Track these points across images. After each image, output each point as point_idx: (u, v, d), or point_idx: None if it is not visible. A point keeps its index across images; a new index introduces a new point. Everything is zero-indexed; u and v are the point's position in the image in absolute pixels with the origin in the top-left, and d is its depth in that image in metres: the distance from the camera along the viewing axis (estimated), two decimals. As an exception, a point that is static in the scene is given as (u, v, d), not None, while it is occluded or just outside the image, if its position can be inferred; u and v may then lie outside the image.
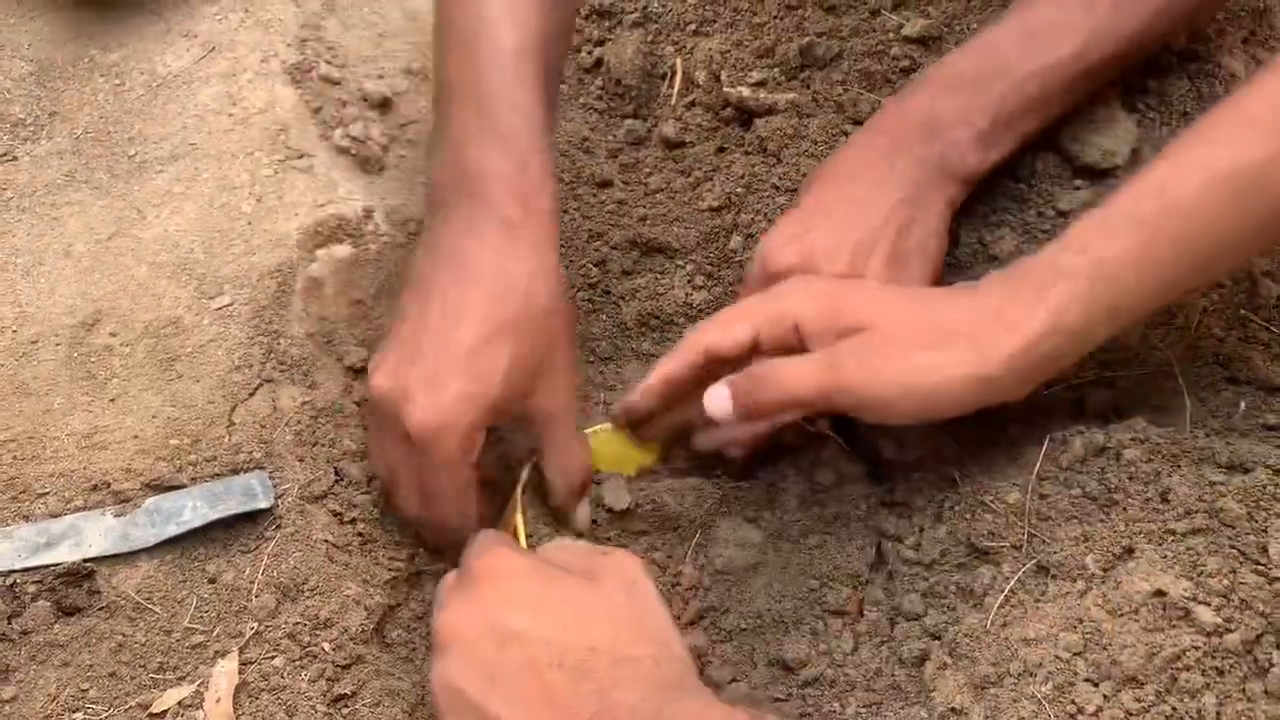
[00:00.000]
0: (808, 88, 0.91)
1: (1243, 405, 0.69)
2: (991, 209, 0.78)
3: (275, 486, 0.66)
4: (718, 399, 0.63)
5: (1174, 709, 0.54)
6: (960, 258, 0.79)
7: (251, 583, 0.61)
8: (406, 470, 0.65)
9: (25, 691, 0.57)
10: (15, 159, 0.85)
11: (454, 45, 0.70)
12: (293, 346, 0.73)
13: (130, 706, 0.56)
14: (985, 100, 0.71)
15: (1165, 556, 0.58)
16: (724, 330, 0.66)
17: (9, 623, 0.60)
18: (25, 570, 0.61)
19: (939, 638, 0.63)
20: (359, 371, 0.74)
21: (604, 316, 0.85)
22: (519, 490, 0.66)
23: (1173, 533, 0.59)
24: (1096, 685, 0.56)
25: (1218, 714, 0.53)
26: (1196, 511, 0.59)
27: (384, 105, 0.90)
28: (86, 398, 0.70)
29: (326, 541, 0.64)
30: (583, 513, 0.68)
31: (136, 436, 0.68)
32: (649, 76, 0.97)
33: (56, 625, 0.60)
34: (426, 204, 0.71)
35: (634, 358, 0.84)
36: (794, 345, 0.64)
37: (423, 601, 0.66)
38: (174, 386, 0.71)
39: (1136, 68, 0.77)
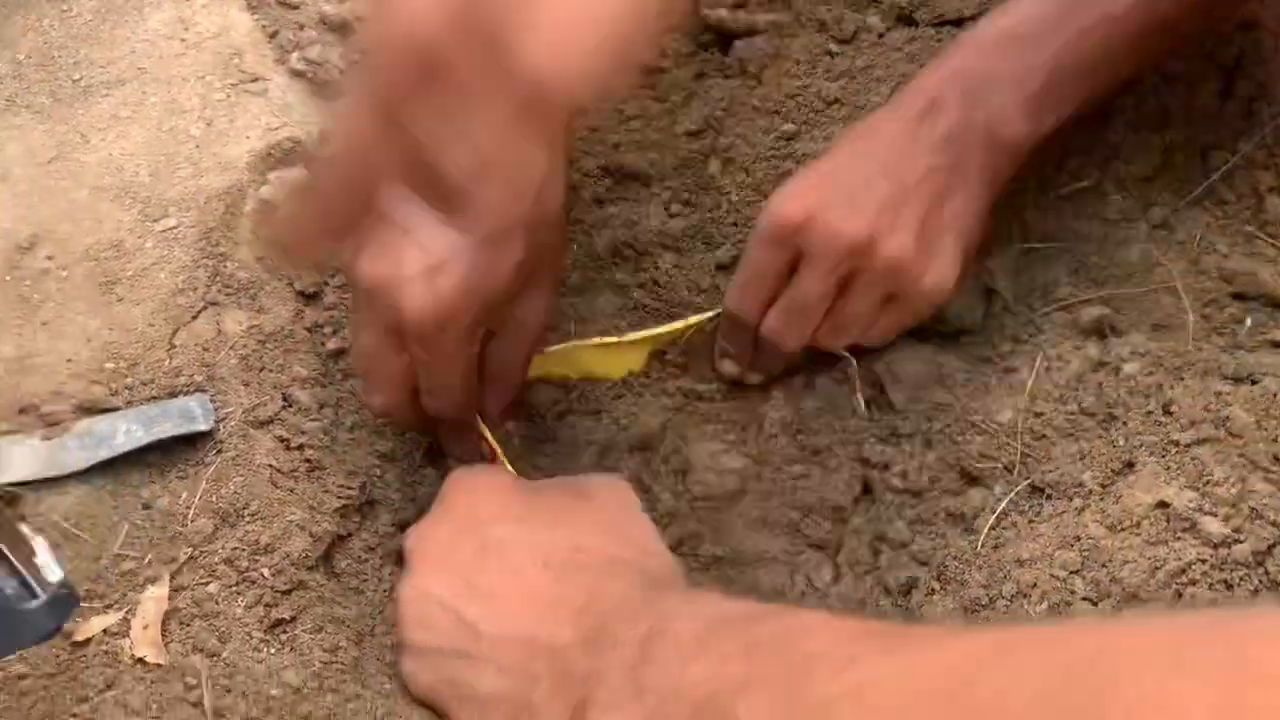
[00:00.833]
0: (789, 7, 0.86)
1: (1249, 321, 0.65)
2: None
3: (217, 411, 0.62)
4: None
5: (1179, 626, 0.50)
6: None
7: (188, 508, 0.57)
8: (392, 362, 0.59)
9: (-61, 621, 0.53)
10: (-47, 85, 0.81)
11: None
12: (240, 270, 0.69)
13: (51, 635, 0.52)
14: (1038, 58, 0.64)
15: (1169, 468, 0.54)
16: None
17: (-75, 551, 0.55)
18: (-56, 496, 0.57)
19: (927, 564, 0.59)
20: (310, 297, 0.69)
21: (575, 246, 0.81)
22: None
23: (1176, 444, 0.55)
24: (1096, 604, 0.52)
25: (1227, 630, 0.49)
26: (1202, 422, 0.55)
27: (343, 29, 0.86)
28: (19, 321, 0.66)
29: (270, 466, 0.60)
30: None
31: (70, 360, 0.64)
32: (624, 3, 0.92)
33: (-23, 553, 0.55)
34: None
35: (606, 288, 0.79)
36: None
37: (376, 533, 0.62)
38: (112, 310, 0.67)
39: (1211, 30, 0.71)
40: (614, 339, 0.68)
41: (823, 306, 0.63)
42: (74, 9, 0.87)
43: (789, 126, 0.79)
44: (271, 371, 0.65)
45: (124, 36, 0.84)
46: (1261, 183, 0.71)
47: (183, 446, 0.60)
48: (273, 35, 0.85)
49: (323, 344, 0.68)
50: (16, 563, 0.43)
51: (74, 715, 0.50)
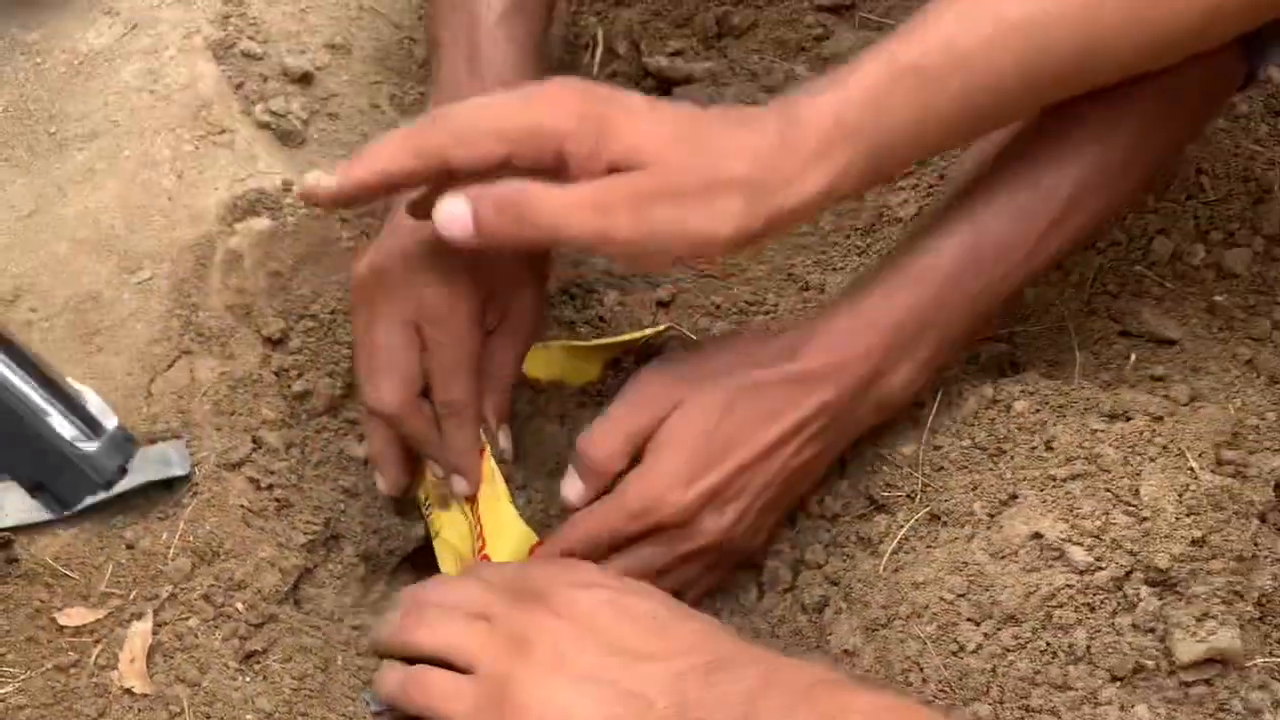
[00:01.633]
0: (725, 56, 0.92)
1: (1133, 357, 0.72)
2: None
3: (192, 455, 0.67)
4: (452, 212, 0.54)
5: (1048, 644, 0.57)
6: (864, 221, 0.82)
7: (168, 547, 0.63)
8: (403, 354, 0.64)
9: (-57, 657, 0.59)
10: (-66, 139, 0.85)
11: (447, 6, 0.72)
12: (211, 318, 0.74)
13: (47, 669, 0.58)
14: (930, 333, 0.64)
15: (1045, 501, 0.61)
16: (469, 142, 0.55)
17: (-72, 592, 0.61)
18: (-56, 541, 0.62)
19: (837, 584, 0.65)
20: (276, 343, 0.75)
21: (525, 285, 0.86)
22: None
23: (1053, 478, 0.61)
24: (978, 624, 0.58)
25: (1088, 647, 0.56)
26: (1076, 458, 0.62)
27: (305, 79, 0.91)
28: (6, 372, 0.71)
29: (242, 507, 0.66)
30: (504, 440, 0.70)
31: (55, 409, 0.69)
32: (571, 46, 0.98)
33: (-25, 593, 0.61)
34: None
35: (555, 325, 0.85)
36: (550, 167, 0.55)
37: (341, 563, 0.68)
38: (94, 360, 0.72)
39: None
40: (580, 343, 0.73)
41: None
42: (47, 61, 0.92)
43: (722, 172, 0.85)
44: (241, 415, 0.71)
45: (97, 89, 0.89)
46: (1150, 225, 0.78)
47: (162, 489, 0.66)
48: (238, 86, 0.90)
49: (289, 387, 0.74)
50: (72, 411, 0.48)
51: (68, 742, 0.55)
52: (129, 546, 0.63)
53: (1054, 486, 0.61)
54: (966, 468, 0.65)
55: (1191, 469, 0.60)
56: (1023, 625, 0.57)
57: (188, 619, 0.60)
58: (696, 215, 0.54)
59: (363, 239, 0.82)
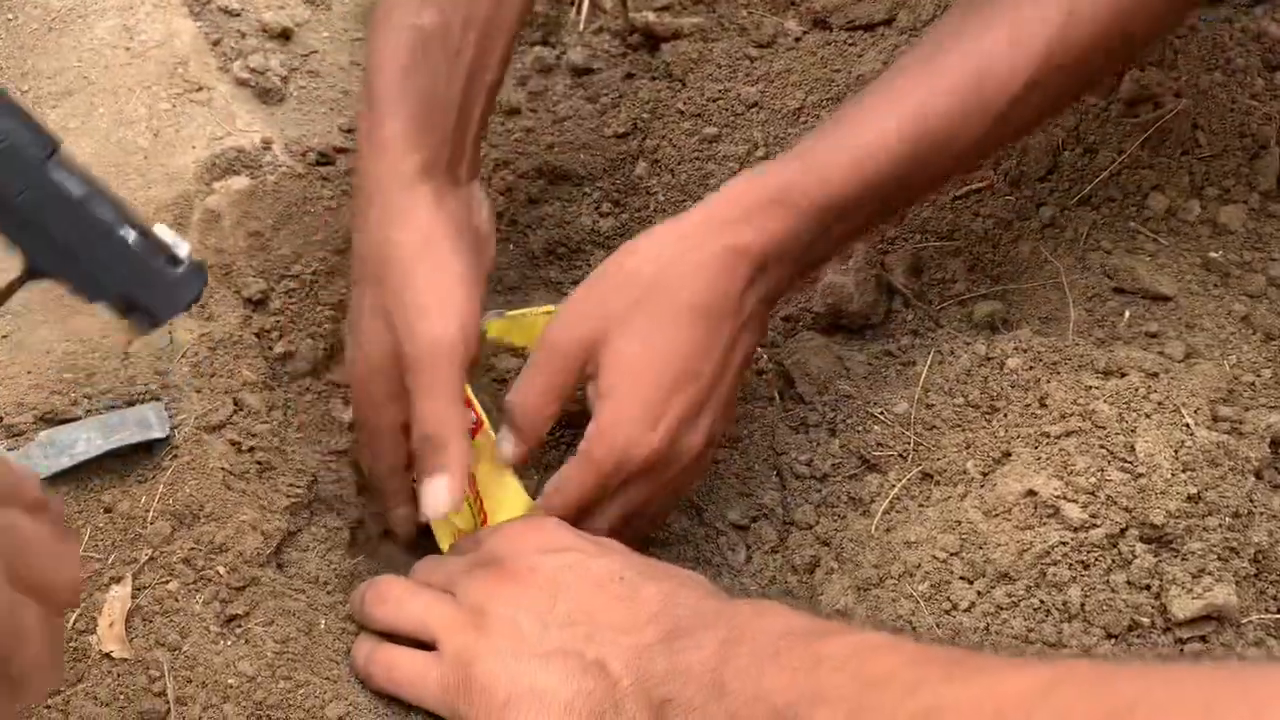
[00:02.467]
0: (713, 11, 0.91)
1: (1127, 314, 0.71)
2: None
3: (172, 417, 0.66)
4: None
5: (1042, 602, 0.56)
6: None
7: (147, 511, 0.62)
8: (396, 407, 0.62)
9: (-82, 623, 0.57)
10: (-96, 97, 0.83)
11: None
12: (190, 279, 0.73)
13: (24, 634, 0.57)
14: (857, 217, 0.63)
15: (1039, 458, 0.60)
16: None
17: (-98, 557, 0.60)
18: (-83, 505, 0.61)
19: (828, 544, 0.65)
20: (257, 303, 0.73)
21: (511, 246, 0.85)
22: None
23: (1047, 435, 0.61)
24: (971, 583, 0.58)
25: (1082, 605, 0.55)
26: (1071, 415, 0.61)
27: (284, 35, 0.89)
28: (-21, 334, 0.70)
29: (223, 469, 0.64)
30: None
31: (30, 371, 0.68)
32: (557, 3, 0.96)
33: (-50, 558, 0.60)
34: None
35: (541, 286, 0.84)
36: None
37: (325, 527, 0.67)
38: (70, 321, 0.70)
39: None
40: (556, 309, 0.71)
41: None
42: (19, 18, 0.89)
43: (711, 130, 0.84)
44: (222, 377, 0.69)
45: (70, 45, 0.87)
46: (1145, 181, 0.77)
47: (141, 452, 0.64)
48: (215, 43, 0.88)
49: (270, 348, 0.73)
50: (154, 242, 0.52)
51: (47, 707, 0.54)
52: (107, 510, 0.62)
53: (1048, 444, 0.60)
54: (959, 426, 0.64)
55: (1187, 425, 0.59)
56: (1016, 583, 0.57)
57: (168, 582, 0.59)
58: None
59: (344, 198, 0.81)
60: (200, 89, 0.84)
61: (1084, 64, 0.63)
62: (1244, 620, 0.54)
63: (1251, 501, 0.57)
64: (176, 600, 0.58)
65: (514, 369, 0.75)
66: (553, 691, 0.51)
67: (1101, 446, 0.59)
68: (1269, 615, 0.55)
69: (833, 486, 0.67)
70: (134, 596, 0.58)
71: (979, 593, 0.57)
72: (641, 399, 0.59)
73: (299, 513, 0.66)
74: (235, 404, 0.68)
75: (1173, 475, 0.57)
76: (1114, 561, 0.56)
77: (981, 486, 0.61)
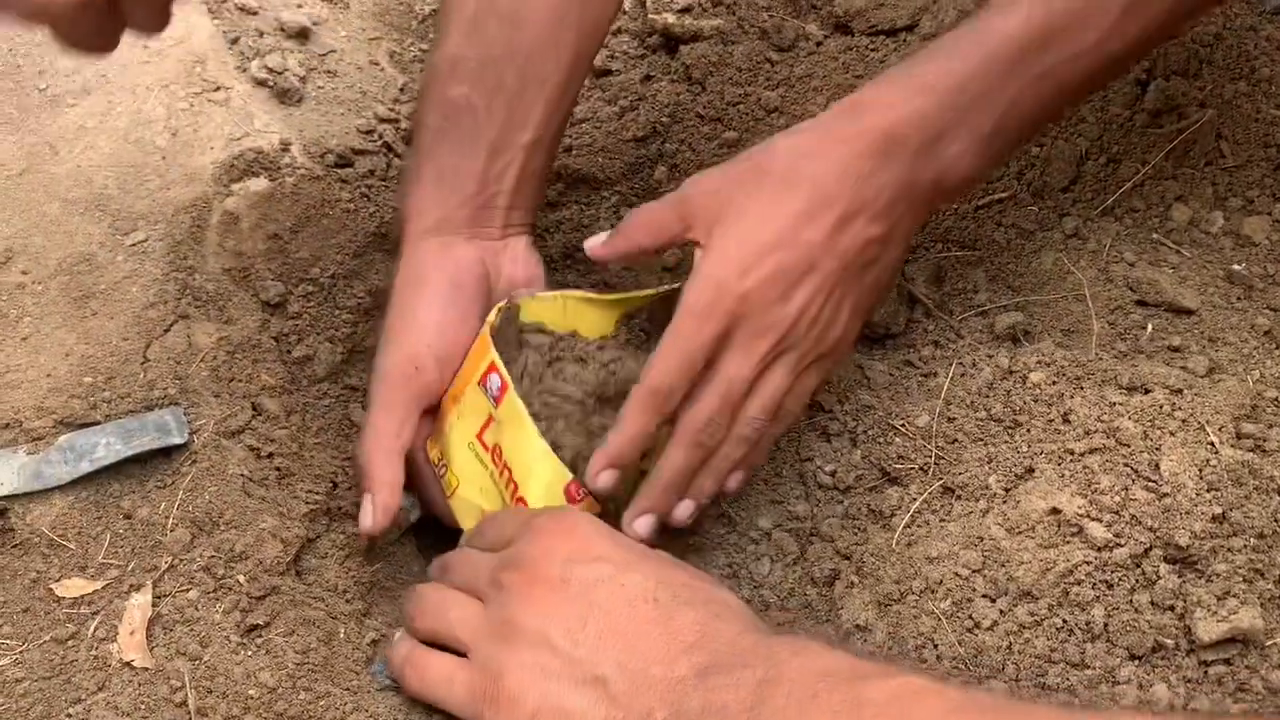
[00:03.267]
0: (733, 14, 0.90)
1: (1150, 328, 0.70)
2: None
3: (191, 422, 0.66)
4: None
5: (1065, 621, 0.56)
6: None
7: (166, 518, 0.62)
8: None
9: (-62, 629, 0.58)
10: (-79, 94, 0.83)
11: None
12: (208, 282, 0.73)
13: (44, 641, 0.57)
14: (994, 103, 0.61)
15: (1063, 475, 0.59)
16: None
17: (-78, 562, 0.60)
18: (-63, 509, 0.61)
19: (849, 558, 0.64)
20: (275, 306, 0.73)
21: (529, 249, 0.85)
22: (487, 331, 0.65)
23: (1071, 452, 0.60)
24: (993, 601, 0.57)
25: (1106, 624, 0.55)
26: (1095, 431, 0.61)
27: (302, 35, 0.89)
28: (-2, 336, 0.69)
29: (243, 476, 0.64)
30: None
31: (49, 375, 0.67)
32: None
33: (-30, 563, 0.60)
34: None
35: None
36: None
37: (344, 533, 0.67)
38: (88, 324, 0.70)
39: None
40: (596, 295, 0.71)
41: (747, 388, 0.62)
42: (37, 15, 0.89)
43: (731, 134, 0.83)
44: (241, 381, 0.69)
45: (87, 43, 0.86)
46: (1169, 192, 0.76)
47: (159, 457, 0.64)
48: (234, 41, 0.88)
49: (288, 352, 0.73)
50: None
51: (68, 716, 0.54)
52: (127, 516, 0.62)
53: (1072, 460, 0.60)
54: (981, 440, 0.64)
55: (1211, 443, 0.59)
56: (1039, 602, 0.56)
57: (188, 591, 0.59)
58: None
59: (362, 201, 0.80)
60: (218, 88, 0.84)
61: None
62: (1269, 643, 0.54)
63: (1276, 521, 0.57)
64: (197, 609, 0.58)
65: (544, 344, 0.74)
66: (581, 715, 0.51)
67: (1126, 465, 0.58)
68: (1294, 638, 0.55)
69: (853, 498, 0.67)
70: (155, 604, 0.58)
71: (1001, 611, 0.57)
72: (736, 252, 0.60)
73: (318, 519, 0.66)
74: (254, 409, 0.68)
75: (1197, 495, 0.57)
76: (1138, 582, 0.55)
77: (1004, 502, 0.60)
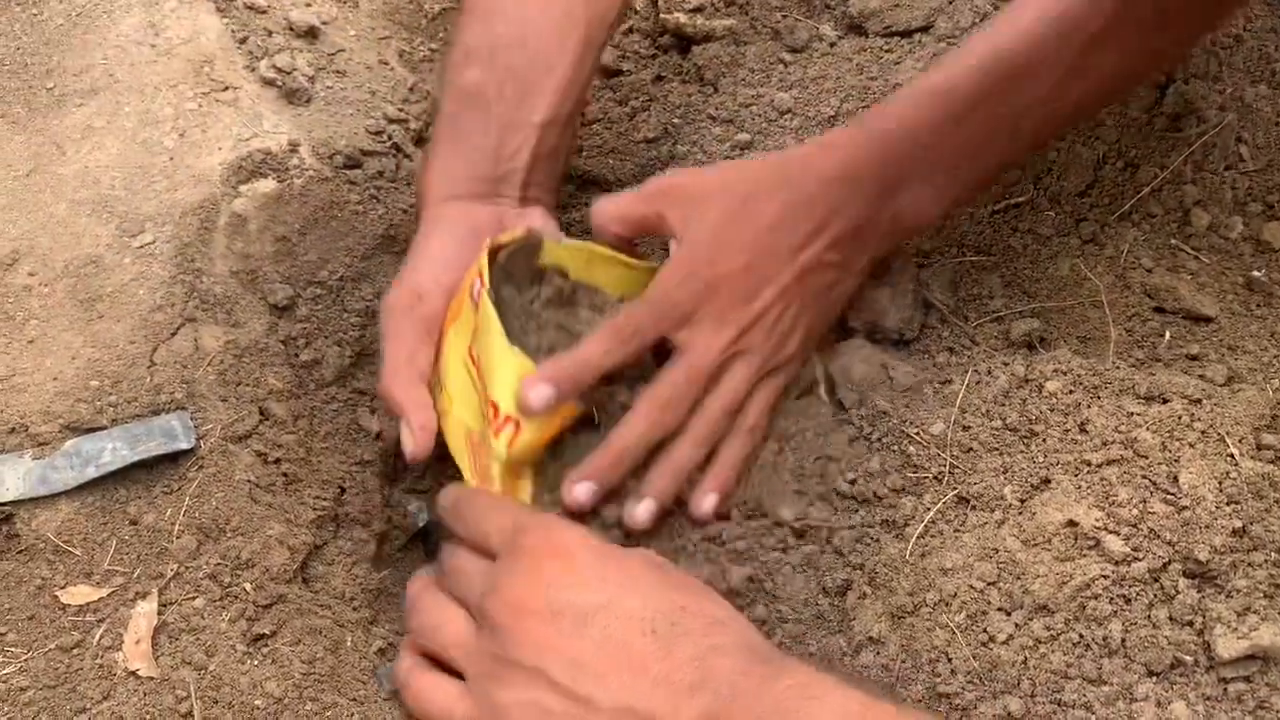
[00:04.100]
0: (746, 14, 0.89)
1: (1168, 335, 0.70)
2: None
3: (197, 427, 0.65)
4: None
5: (1081, 636, 0.55)
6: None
7: (173, 524, 0.61)
8: None
9: (-57, 636, 0.57)
10: (-71, 93, 0.82)
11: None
12: (215, 285, 0.72)
13: (49, 649, 0.56)
14: (946, 151, 0.66)
15: (1080, 487, 0.59)
16: None
17: (-73, 567, 0.59)
18: (-58, 515, 0.61)
19: (861, 568, 0.64)
20: (283, 310, 0.73)
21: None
22: (487, 243, 0.65)
23: (1088, 464, 0.59)
24: (1008, 614, 0.57)
25: (1123, 640, 0.54)
26: (1113, 442, 0.60)
27: (310, 34, 0.88)
28: (4, 339, 0.69)
29: (249, 482, 0.64)
30: None
31: (55, 378, 0.67)
32: (587, 2, 0.95)
33: (-25, 569, 0.59)
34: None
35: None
36: None
37: (351, 539, 0.66)
38: (94, 327, 0.70)
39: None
40: (625, 256, 0.69)
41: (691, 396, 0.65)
42: (44, 13, 0.88)
43: (743, 136, 0.82)
44: (248, 386, 0.69)
45: (95, 42, 0.86)
46: (1188, 197, 0.75)
47: (165, 462, 0.64)
48: (242, 41, 0.87)
49: (296, 356, 0.72)
50: None
51: (73, 726, 0.54)
52: (133, 522, 0.61)
53: (1089, 472, 0.59)
54: (997, 449, 0.63)
55: (1231, 455, 0.58)
56: (1055, 616, 0.55)
57: (194, 599, 0.58)
58: None
59: (371, 203, 0.80)
60: (226, 88, 0.83)
61: (1162, 20, 0.64)
62: (1290, 660, 0.53)
63: (1297, 535, 0.56)
64: (203, 617, 0.57)
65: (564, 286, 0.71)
66: None
67: (1144, 477, 0.57)
68: (1315, 654, 0.54)
69: (869, 506, 0.66)
70: (160, 613, 0.58)
71: (1017, 625, 0.56)
72: (708, 243, 0.64)
73: (325, 525, 0.66)
74: (261, 413, 0.68)
75: (1217, 508, 0.56)
76: (1156, 596, 0.55)
77: (1020, 514, 0.59)
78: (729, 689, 0.49)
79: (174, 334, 0.70)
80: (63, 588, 0.59)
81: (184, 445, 0.64)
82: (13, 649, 0.57)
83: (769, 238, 0.64)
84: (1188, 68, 0.77)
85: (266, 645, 0.57)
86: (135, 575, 0.59)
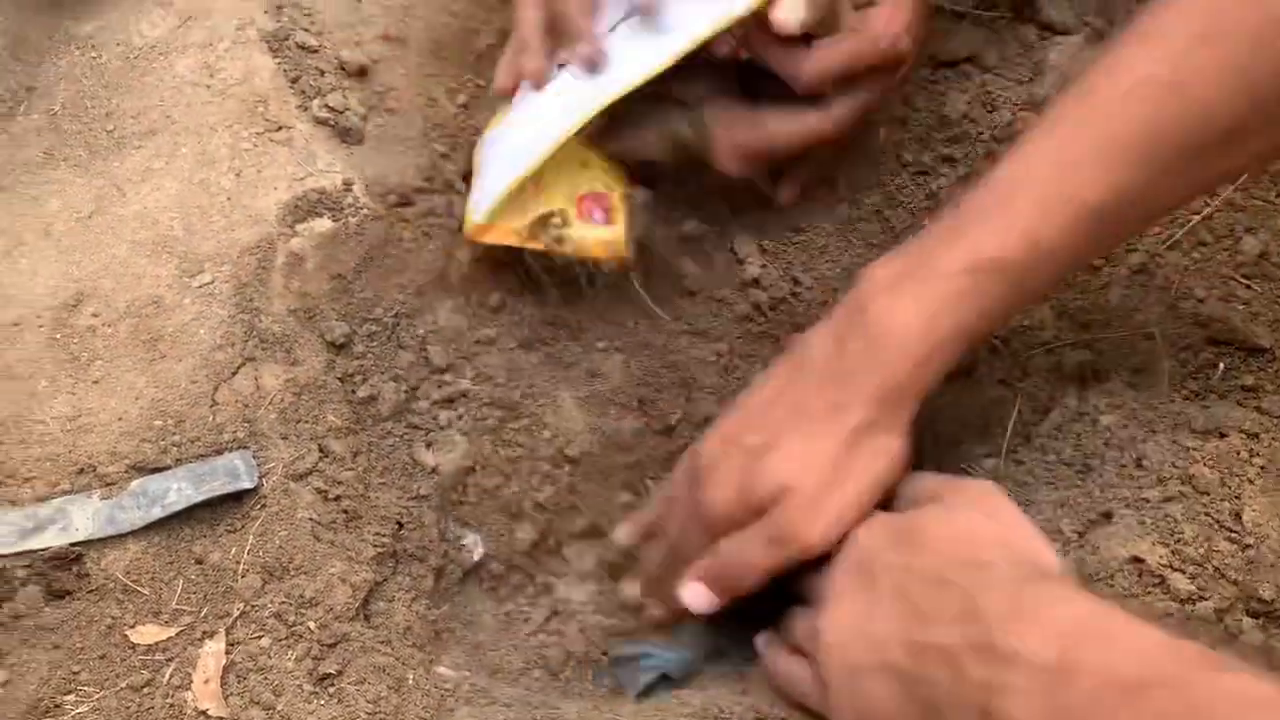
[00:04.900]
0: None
1: (1221, 367, 0.69)
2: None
3: (259, 465, 0.66)
4: (698, 596, 0.63)
5: (1145, 675, 0.54)
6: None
7: (238, 563, 0.62)
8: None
9: (17, 675, 0.58)
10: (-7, 136, 0.84)
11: None
12: (274, 324, 0.73)
13: (121, 688, 0.57)
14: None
15: (1143, 523, 0.58)
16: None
17: (0, 607, 0.61)
18: (14, 555, 0.62)
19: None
20: (340, 347, 0.74)
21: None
22: None
23: (1147, 500, 0.59)
24: (1070, 652, 0.56)
25: (1188, 680, 0.54)
26: (1170, 478, 0.60)
27: (361, 73, 0.89)
28: (70, 380, 0.70)
29: (311, 520, 0.65)
30: None
31: (121, 418, 0.68)
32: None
33: (46, 609, 0.61)
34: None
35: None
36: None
37: (410, 575, 0.67)
38: (157, 367, 0.71)
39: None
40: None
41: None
42: (104, 56, 0.90)
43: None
44: (307, 423, 0.70)
45: (153, 84, 0.88)
46: (1238, 223, 0.75)
47: (229, 501, 0.65)
48: (294, 80, 0.88)
49: (353, 392, 0.73)
50: None
51: (147, 764, 0.55)
52: (199, 562, 0.62)
53: (1150, 508, 0.59)
54: (1051, 484, 0.63)
55: (1293, 491, 0.58)
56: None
57: (260, 638, 0.59)
58: (842, 499, 0.60)
59: (424, 239, 0.81)
60: (280, 128, 0.85)
61: None
62: (1357, 700, 0.53)
63: (1362, 573, 0.56)
64: (269, 657, 0.58)
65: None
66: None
67: (1206, 513, 0.57)
68: (1382, 693, 0.54)
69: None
70: (228, 652, 0.59)
71: None
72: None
73: (384, 562, 0.66)
74: (321, 450, 0.69)
75: (1280, 545, 0.56)
76: (1220, 636, 0.54)
77: (1080, 548, 0.59)
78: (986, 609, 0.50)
79: (235, 373, 0.71)
80: (132, 627, 0.60)
81: (247, 485, 0.65)
82: (85, 688, 0.58)
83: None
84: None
85: (332, 685, 0.58)
86: (202, 614, 0.60)
